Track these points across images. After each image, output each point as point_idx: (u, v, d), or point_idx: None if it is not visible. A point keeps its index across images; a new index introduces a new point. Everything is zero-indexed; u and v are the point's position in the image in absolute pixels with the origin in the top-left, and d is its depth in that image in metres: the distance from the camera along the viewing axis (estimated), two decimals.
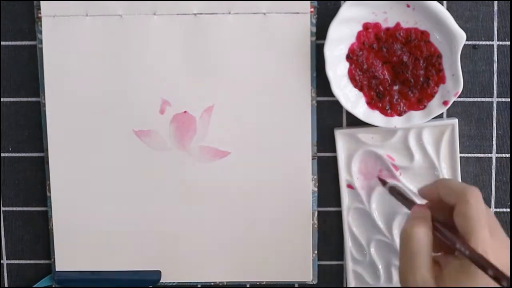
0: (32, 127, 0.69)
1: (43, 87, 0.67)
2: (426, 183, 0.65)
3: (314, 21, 0.66)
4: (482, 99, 0.68)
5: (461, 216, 0.53)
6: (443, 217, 0.56)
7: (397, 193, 0.64)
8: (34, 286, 0.70)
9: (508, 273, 0.52)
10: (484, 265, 0.50)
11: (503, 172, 0.68)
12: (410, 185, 0.68)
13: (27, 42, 0.67)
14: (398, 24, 0.64)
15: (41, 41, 0.66)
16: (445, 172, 0.67)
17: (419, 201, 0.60)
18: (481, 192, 0.67)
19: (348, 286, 0.69)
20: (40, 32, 0.66)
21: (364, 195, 0.68)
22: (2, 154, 0.69)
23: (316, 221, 0.69)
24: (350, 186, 0.68)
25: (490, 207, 0.68)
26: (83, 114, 0.67)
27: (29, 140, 0.69)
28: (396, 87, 0.65)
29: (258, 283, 0.69)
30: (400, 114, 0.65)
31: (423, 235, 0.54)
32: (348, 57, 0.65)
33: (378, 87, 0.65)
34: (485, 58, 0.67)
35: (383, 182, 0.66)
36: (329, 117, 0.68)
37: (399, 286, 0.68)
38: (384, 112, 0.65)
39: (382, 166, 0.68)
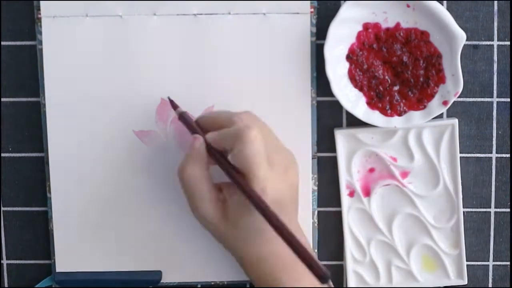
0: (32, 127, 0.69)
1: (43, 87, 0.67)
2: (427, 184, 0.65)
3: (314, 21, 0.66)
4: (482, 99, 0.68)
5: (237, 158, 0.57)
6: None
7: (186, 121, 0.63)
8: (34, 287, 0.70)
9: (284, 199, 0.57)
10: (259, 204, 0.55)
11: (503, 172, 0.68)
12: (412, 186, 0.68)
13: (27, 42, 0.67)
14: (398, 24, 0.64)
15: (41, 42, 0.66)
16: (445, 172, 0.67)
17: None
18: (481, 192, 0.68)
19: (348, 286, 0.69)
20: (40, 33, 0.66)
21: (364, 195, 0.68)
22: (2, 154, 0.69)
23: (316, 221, 0.69)
24: (350, 195, 0.68)
25: (490, 207, 0.69)
26: (83, 114, 0.67)
27: (29, 140, 0.69)
28: (396, 87, 0.65)
29: None
30: (400, 114, 0.65)
31: (196, 174, 0.58)
32: (348, 57, 0.65)
33: (378, 87, 0.65)
34: (485, 58, 0.67)
35: (174, 106, 0.65)
36: (329, 117, 0.68)
37: (398, 286, 0.68)
38: (384, 112, 0.65)
39: (382, 166, 0.68)
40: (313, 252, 0.54)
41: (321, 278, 0.51)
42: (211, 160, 0.60)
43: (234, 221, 0.59)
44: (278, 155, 0.59)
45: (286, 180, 0.59)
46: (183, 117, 0.63)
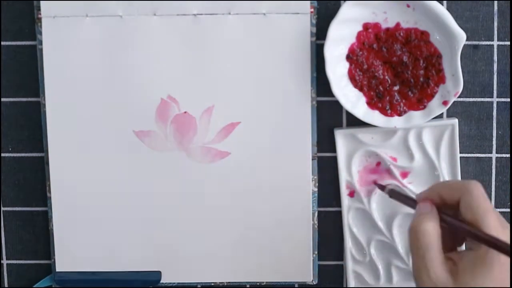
0: (32, 127, 0.69)
1: (43, 87, 0.67)
2: (427, 184, 0.66)
3: (314, 21, 0.66)
4: (482, 99, 0.68)
5: (468, 208, 0.52)
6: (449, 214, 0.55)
7: (398, 195, 0.62)
8: (34, 287, 0.70)
9: None
10: (501, 245, 0.49)
11: (503, 172, 0.68)
12: (412, 186, 0.68)
13: (27, 42, 0.67)
14: (398, 24, 0.64)
15: (41, 42, 0.66)
16: (445, 172, 0.67)
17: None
18: None
19: (348, 286, 0.69)
20: (40, 33, 0.66)
21: (364, 195, 0.68)
22: (2, 154, 0.69)
23: (316, 221, 0.69)
24: (350, 195, 0.68)
25: None
26: (83, 114, 0.67)
27: (29, 140, 0.69)
28: (396, 87, 0.65)
29: (258, 283, 0.69)
30: (400, 114, 0.65)
31: (431, 229, 0.53)
32: (348, 57, 0.65)
33: (378, 87, 0.65)
34: (485, 58, 0.67)
35: (382, 187, 0.66)
36: (329, 117, 0.68)
37: (398, 286, 0.68)
38: (384, 112, 0.65)
39: (381, 170, 0.68)
40: None
41: None
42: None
43: (465, 282, 0.52)
44: (505, 223, 0.54)
45: (507, 235, 0.53)
46: (394, 194, 0.62)
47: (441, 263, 0.53)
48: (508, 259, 0.50)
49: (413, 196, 0.62)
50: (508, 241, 0.51)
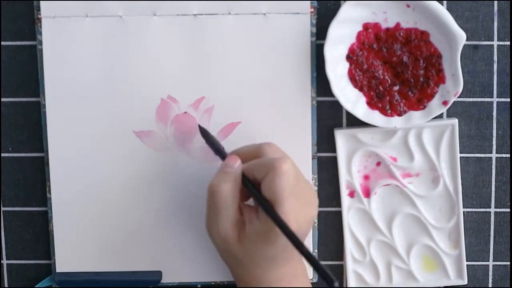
0: (32, 127, 0.69)
1: (43, 87, 0.67)
2: (427, 184, 0.66)
3: (314, 21, 0.66)
4: (482, 99, 0.68)
5: (267, 187, 0.57)
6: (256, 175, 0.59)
7: (208, 139, 0.63)
8: (34, 287, 0.70)
9: (301, 231, 0.57)
10: (284, 226, 0.55)
11: (503, 172, 0.68)
12: (412, 186, 0.68)
13: (27, 42, 0.67)
14: (398, 24, 0.64)
15: (41, 42, 0.66)
16: (445, 172, 0.67)
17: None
18: (481, 192, 0.68)
19: (348, 286, 0.69)
20: (40, 33, 0.66)
21: (364, 195, 0.68)
22: (2, 154, 0.69)
23: (316, 221, 0.69)
24: (350, 195, 0.68)
25: (490, 207, 0.69)
26: (83, 115, 0.67)
27: (29, 140, 0.69)
28: (396, 87, 0.65)
29: None
30: (400, 114, 0.65)
31: (228, 192, 0.58)
32: (348, 57, 0.65)
33: (378, 87, 0.65)
34: (485, 58, 0.67)
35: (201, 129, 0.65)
36: (329, 117, 0.68)
37: (398, 286, 0.68)
38: (384, 112, 0.65)
39: (382, 166, 0.68)
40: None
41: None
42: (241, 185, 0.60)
43: (247, 246, 0.58)
44: (302, 189, 0.59)
45: (306, 214, 0.59)
46: (205, 135, 0.64)
47: (231, 222, 0.58)
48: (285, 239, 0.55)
49: (222, 147, 0.63)
50: (294, 219, 0.56)
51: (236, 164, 0.59)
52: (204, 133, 0.64)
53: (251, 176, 0.59)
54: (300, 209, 0.57)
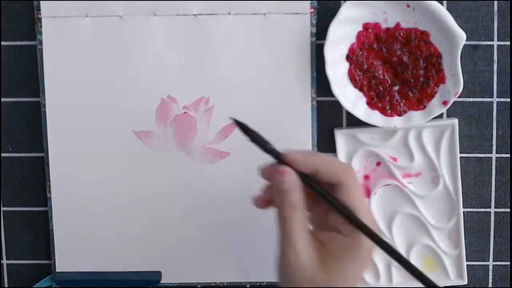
0: (32, 127, 0.69)
1: (43, 87, 0.67)
2: (427, 184, 0.65)
3: (314, 21, 0.66)
4: (482, 99, 0.68)
5: (347, 193, 0.52)
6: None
7: (261, 143, 0.55)
8: (34, 287, 0.70)
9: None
10: (370, 231, 0.51)
11: (503, 172, 0.68)
12: (412, 186, 0.68)
13: (27, 42, 0.67)
14: (398, 24, 0.64)
15: (41, 42, 0.66)
16: (445, 172, 0.67)
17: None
18: (481, 192, 0.68)
19: None
20: (40, 33, 0.66)
21: (364, 195, 0.68)
22: (2, 154, 0.69)
23: None
24: None
25: (490, 207, 0.69)
26: (83, 115, 0.67)
27: (29, 140, 0.69)
28: (396, 87, 0.65)
29: (258, 283, 0.69)
30: (400, 114, 0.65)
31: (294, 214, 0.51)
32: (348, 57, 0.65)
33: (378, 87, 0.65)
34: (485, 58, 0.67)
35: (244, 129, 0.55)
36: (329, 117, 0.68)
37: (398, 286, 0.68)
38: (384, 112, 0.65)
39: (382, 166, 0.68)
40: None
41: None
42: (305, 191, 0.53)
43: (338, 268, 0.51)
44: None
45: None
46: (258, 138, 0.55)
47: (307, 244, 0.51)
48: (372, 245, 0.51)
49: (276, 149, 0.55)
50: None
51: (292, 178, 0.52)
52: (248, 131, 0.55)
53: (324, 178, 0.53)
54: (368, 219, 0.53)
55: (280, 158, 0.54)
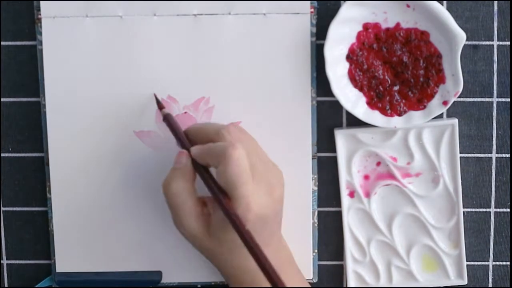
0: (32, 127, 0.69)
1: (43, 87, 0.67)
2: (427, 184, 0.66)
3: (314, 21, 0.66)
4: (482, 99, 0.68)
5: (221, 176, 0.56)
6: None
7: (170, 125, 0.63)
8: (34, 287, 0.70)
9: (269, 214, 0.58)
10: (235, 224, 0.55)
11: (503, 172, 0.68)
12: (412, 186, 0.68)
13: (27, 42, 0.67)
14: (398, 24, 0.64)
15: (41, 42, 0.66)
16: (445, 172, 0.67)
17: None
18: (481, 192, 0.68)
19: (348, 286, 0.69)
20: (40, 34, 0.66)
21: (364, 195, 0.68)
22: (2, 154, 0.69)
23: (316, 221, 0.69)
24: (350, 195, 0.68)
25: (490, 207, 0.69)
26: (83, 115, 0.67)
27: (29, 140, 0.69)
28: (396, 87, 0.65)
29: None
30: (400, 114, 0.65)
31: (180, 188, 0.58)
32: (348, 57, 0.65)
33: (378, 87, 0.65)
34: (485, 58, 0.67)
35: (160, 106, 0.65)
36: (329, 117, 0.68)
37: (398, 286, 0.69)
38: (384, 112, 0.65)
39: (382, 166, 0.68)
40: (279, 276, 0.54)
41: None
42: (196, 174, 0.60)
43: (217, 236, 0.59)
44: (264, 171, 0.59)
45: (271, 195, 0.59)
46: (167, 120, 0.63)
47: (194, 217, 0.59)
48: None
49: (183, 135, 0.62)
50: (255, 203, 0.56)
51: (185, 159, 0.59)
52: (169, 120, 0.63)
53: (205, 163, 0.59)
54: (262, 192, 0.58)
55: (184, 146, 0.61)
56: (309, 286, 0.65)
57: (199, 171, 0.59)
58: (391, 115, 0.65)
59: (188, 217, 0.59)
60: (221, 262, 0.61)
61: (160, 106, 0.65)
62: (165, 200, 0.60)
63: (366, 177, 0.68)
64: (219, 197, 0.57)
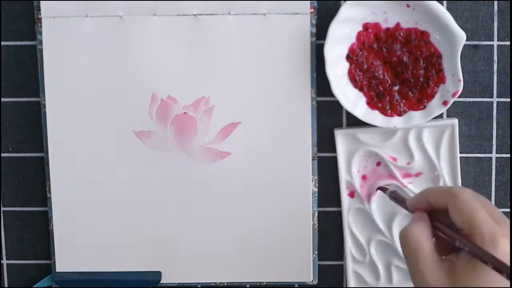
0: (32, 127, 0.69)
1: (43, 87, 0.67)
2: (426, 184, 0.66)
3: (314, 21, 0.66)
4: (482, 99, 0.68)
5: (456, 212, 0.52)
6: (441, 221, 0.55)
7: (397, 199, 0.61)
8: (34, 287, 0.70)
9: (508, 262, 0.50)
10: (483, 256, 0.49)
11: (503, 172, 0.68)
12: (412, 186, 0.68)
13: (27, 42, 0.67)
14: (398, 24, 0.64)
15: (41, 42, 0.66)
16: (445, 172, 0.67)
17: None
18: (481, 192, 0.68)
19: (348, 286, 0.69)
20: (40, 33, 0.66)
21: (364, 196, 0.68)
22: (2, 154, 0.69)
23: (316, 221, 0.69)
24: (350, 195, 0.68)
25: None
26: (83, 115, 0.67)
27: (29, 140, 0.69)
28: (396, 87, 0.65)
29: (258, 283, 0.69)
30: (400, 114, 0.65)
31: (419, 233, 0.53)
32: (348, 57, 0.65)
33: (378, 87, 0.65)
34: (485, 58, 0.67)
35: (383, 190, 0.65)
36: (329, 117, 0.68)
37: (398, 286, 0.68)
38: (384, 112, 0.65)
39: (382, 167, 0.68)
40: None
41: None
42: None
43: (463, 280, 0.51)
44: (502, 216, 0.53)
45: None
46: (394, 195, 0.62)
47: (435, 263, 0.52)
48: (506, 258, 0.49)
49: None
50: (504, 239, 0.50)
51: (420, 214, 0.55)
52: (395, 197, 0.61)
53: (437, 203, 0.54)
54: (498, 223, 0.52)
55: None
56: None
57: (434, 223, 0.54)
58: (391, 115, 0.65)
59: (428, 262, 0.52)
60: None
61: (383, 189, 0.64)
62: (403, 251, 0.54)
63: (366, 177, 0.68)
64: (459, 237, 0.51)
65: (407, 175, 0.68)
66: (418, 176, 0.68)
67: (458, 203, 0.52)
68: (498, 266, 0.47)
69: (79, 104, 0.67)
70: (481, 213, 0.51)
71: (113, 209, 0.68)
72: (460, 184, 0.67)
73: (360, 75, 0.65)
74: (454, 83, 0.64)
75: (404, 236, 0.54)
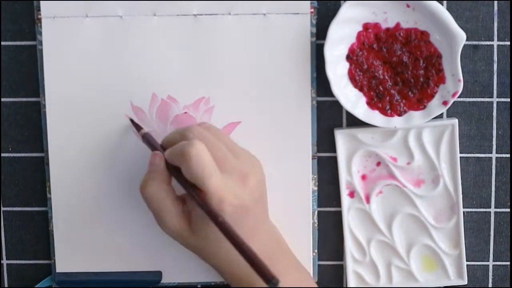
0: (32, 127, 0.69)
1: (43, 87, 0.67)
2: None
3: (314, 21, 0.66)
4: (482, 99, 0.68)
5: (186, 174, 0.57)
6: None
7: (149, 142, 0.64)
8: (34, 287, 0.70)
9: (248, 201, 0.58)
10: (212, 216, 0.55)
11: (503, 172, 0.68)
12: (412, 186, 0.68)
13: (27, 42, 0.67)
14: (398, 24, 0.64)
15: (41, 43, 0.66)
16: (445, 172, 0.67)
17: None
18: (481, 192, 0.68)
19: (348, 286, 0.69)
20: (40, 33, 0.66)
21: (364, 196, 0.68)
22: (2, 154, 0.69)
23: (316, 221, 0.69)
24: (350, 195, 0.68)
25: (490, 207, 0.69)
26: (83, 115, 0.67)
27: (29, 140, 0.69)
28: (396, 87, 0.65)
29: None
30: (400, 114, 0.65)
31: (156, 189, 0.59)
32: (348, 57, 0.65)
33: (378, 87, 0.65)
34: (485, 58, 0.67)
35: (138, 128, 0.66)
36: (329, 117, 0.68)
37: (398, 286, 0.69)
38: (384, 112, 0.65)
39: (382, 167, 0.68)
40: (261, 258, 0.53)
41: (269, 281, 0.51)
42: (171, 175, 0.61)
43: (200, 232, 0.59)
44: (234, 161, 0.59)
45: (245, 184, 0.59)
46: (146, 138, 0.64)
47: (174, 216, 0.60)
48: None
49: (159, 147, 0.63)
50: (229, 194, 0.56)
51: (157, 161, 0.60)
52: (148, 138, 0.64)
53: (174, 163, 0.59)
54: (235, 182, 0.58)
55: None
56: (308, 273, 0.65)
57: (172, 172, 0.60)
58: (391, 115, 0.65)
59: (169, 216, 0.59)
60: (209, 256, 0.61)
61: (138, 128, 0.66)
62: (145, 202, 0.60)
63: (366, 177, 0.68)
64: (192, 193, 0.57)
65: (407, 175, 0.68)
66: (418, 176, 0.68)
67: (189, 168, 0.56)
68: (221, 227, 0.55)
69: (79, 104, 0.67)
70: (211, 178, 0.56)
71: (113, 209, 0.68)
72: (460, 185, 0.67)
73: (360, 75, 0.65)
74: (454, 83, 0.64)
75: (143, 194, 0.59)
